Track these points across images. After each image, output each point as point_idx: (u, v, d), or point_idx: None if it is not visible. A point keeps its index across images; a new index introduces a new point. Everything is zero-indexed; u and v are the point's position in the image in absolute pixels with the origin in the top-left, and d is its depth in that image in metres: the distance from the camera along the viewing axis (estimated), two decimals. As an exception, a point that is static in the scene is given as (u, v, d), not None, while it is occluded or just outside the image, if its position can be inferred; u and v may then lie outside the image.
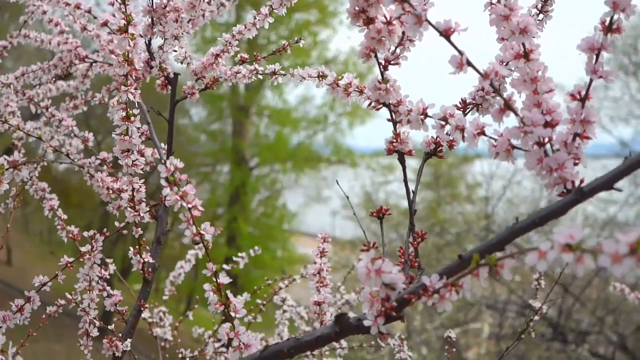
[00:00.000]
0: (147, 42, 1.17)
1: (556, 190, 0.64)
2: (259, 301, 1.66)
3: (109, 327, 1.12)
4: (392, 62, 0.78)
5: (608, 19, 0.65)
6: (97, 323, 1.10)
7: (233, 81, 1.22)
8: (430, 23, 0.64)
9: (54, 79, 1.49)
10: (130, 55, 0.96)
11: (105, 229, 1.11)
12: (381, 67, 0.78)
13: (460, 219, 8.68)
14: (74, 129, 1.33)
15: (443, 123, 0.75)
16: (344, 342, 1.51)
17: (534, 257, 0.52)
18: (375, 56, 0.77)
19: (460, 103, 0.86)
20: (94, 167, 1.22)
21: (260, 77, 1.20)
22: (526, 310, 6.22)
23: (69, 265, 1.08)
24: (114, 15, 1.06)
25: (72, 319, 1.17)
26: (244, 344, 0.78)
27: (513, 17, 0.68)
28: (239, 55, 1.22)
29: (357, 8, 0.72)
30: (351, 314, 0.73)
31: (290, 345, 0.72)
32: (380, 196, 9.45)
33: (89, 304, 1.09)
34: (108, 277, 1.16)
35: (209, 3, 1.16)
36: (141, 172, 1.03)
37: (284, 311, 1.69)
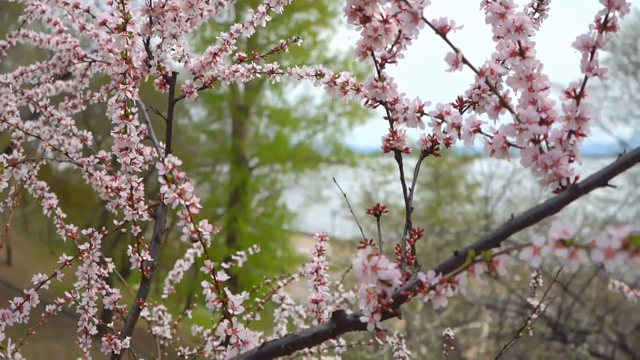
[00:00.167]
0: (145, 41, 1.17)
1: (551, 187, 0.65)
2: (257, 300, 1.66)
3: (108, 325, 1.12)
4: (388, 60, 0.78)
5: (603, 17, 0.65)
6: (96, 321, 1.10)
7: (231, 80, 1.22)
8: (426, 21, 0.65)
9: (52, 79, 1.49)
10: (128, 53, 0.96)
11: (104, 227, 1.11)
12: (378, 65, 0.78)
13: (460, 218, 8.69)
14: (73, 128, 1.33)
15: (439, 121, 0.75)
16: (342, 340, 1.51)
17: (528, 252, 0.52)
18: (372, 54, 0.77)
19: (456, 101, 0.87)
20: (93, 165, 1.22)
21: (259, 75, 1.20)
22: (526, 309, 6.22)
23: (67, 263, 1.09)
24: (112, 15, 1.07)
25: (72, 319, 1.17)
26: (241, 341, 0.79)
27: (509, 15, 0.68)
28: (237, 54, 1.22)
29: (354, 6, 0.73)
30: (349, 312, 0.73)
31: (288, 342, 0.72)
32: (380, 196, 9.46)
33: (87, 302, 1.09)
34: (107, 275, 1.16)
35: (207, 2, 1.16)
36: (139, 170, 1.04)
37: (283, 309, 1.69)
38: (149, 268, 1.15)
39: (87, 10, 1.27)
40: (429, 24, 0.65)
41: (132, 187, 1.04)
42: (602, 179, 0.60)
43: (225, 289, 0.80)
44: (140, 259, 1.12)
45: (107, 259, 1.28)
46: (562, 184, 0.64)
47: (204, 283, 0.79)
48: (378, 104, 0.81)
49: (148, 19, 1.14)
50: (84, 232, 1.08)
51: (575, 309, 6.55)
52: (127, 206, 1.05)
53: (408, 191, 0.82)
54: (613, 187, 0.60)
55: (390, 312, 0.67)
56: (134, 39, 0.97)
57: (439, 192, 9.54)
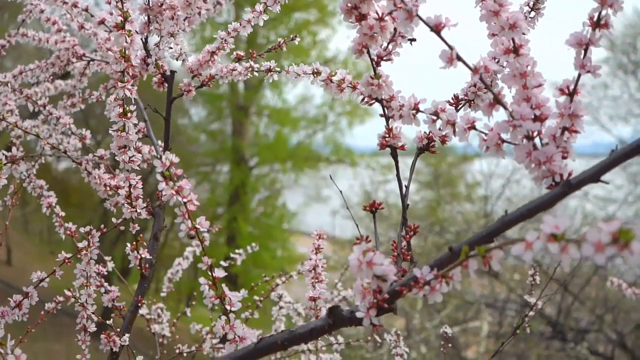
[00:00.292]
0: (143, 39, 1.18)
1: (545, 183, 0.65)
2: (256, 298, 1.67)
3: (107, 321, 1.13)
4: (384, 58, 0.79)
5: (596, 15, 0.66)
6: (95, 318, 1.11)
7: (229, 79, 1.23)
8: (420, 18, 0.65)
9: (51, 78, 1.50)
10: (126, 51, 0.97)
11: (102, 225, 1.12)
12: (374, 63, 0.79)
13: (459, 218, 8.69)
14: (72, 127, 1.34)
15: (434, 118, 0.76)
16: (340, 338, 1.52)
17: (520, 247, 0.53)
18: (368, 52, 0.78)
19: (452, 99, 0.87)
20: (92, 162, 1.23)
21: (256, 74, 1.21)
22: (525, 309, 6.22)
23: (66, 261, 1.09)
24: (110, 14, 1.07)
25: (72, 319, 1.18)
26: (239, 337, 0.79)
27: (503, 12, 0.69)
28: (234, 53, 1.23)
29: (349, 4, 0.73)
30: (345, 308, 0.73)
31: (284, 337, 0.72)
32: (379, 195, 9.46)
33: (86, 299, 1.10)
34: (105, 273, 1.17)
35: (204, 1, 1.17)
36: (138, 168, 1.04)
37: (281, 307, 1.70)
38: (147, 266, 1.15)
39: (86, 10, 1.28)
40: (423, 21, 0.65)
41: (130, 185, 1.05)
42: (594, 175, 0.61)
43: (223, 285, 0.80)
44: (139, 257, 1.12)
45: (106, 258, 1.29)
46: (556, 180, 0.65)
47: (202, 279, 0.80)
48: (374, 101, 0.82)
49: (146, 17, 1.15)
50: (82, 230, 1.09)
51: (574, 308, 6.55)
52: (125, 204, 1.06)
53: (404, 188, 0.83)
54: (606, 182, 0.61)
55: (385, 307, 0.67)
56: (133, 37, 0.98)
57: (438, 191, 9.54)
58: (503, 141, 0.69)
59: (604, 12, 0.66)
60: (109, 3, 1.05)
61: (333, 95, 0.96)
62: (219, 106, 10.81)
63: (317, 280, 1.11)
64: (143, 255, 1.13)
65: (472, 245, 0.62)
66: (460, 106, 0.87)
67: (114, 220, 1.13)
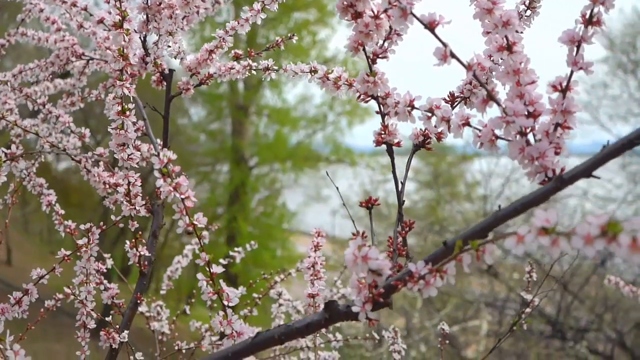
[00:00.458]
0: (142, 38, 1.19)
1: (537, 178, 0.66)
2: (255, 295, 1.68)
3: (107, 318, 1.14)
4: (380, 56, 0.80)
5: (588, 12, 0.67)
6: (94, 315, 1.12)
7: (228, 77, 1.23)
8: (415, 16, 0.66)
9: (51, 77, 1.51)
10: (125, 50, 0.98)
11: (102, 223, 1.13)
12: (369, 60, 0.79)
13: (459, 217, 8.70)
14: (71, 125, 1.35)
15: (429, 115, 0.77)
16: (339, 335, 1.53)
17: (512, 241, 0.54)
18: (364, 50, 0.78)
19: (448, 96, 0.88)
20: (91, 160, 1.24)
21: (254, 73, 1.22)
22: (525, 307, 6.23)
23: (66, 258, 1.10)
24: (109, 13, 1.08)
25: (72, 319, 1.19)
26: (236, 332, 0.80)
27: (496, 10, 0.70)
28: (233, 51, 1.23)
29: (345, 2, 0.74)
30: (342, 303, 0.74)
31: (281, 332, 0.73)
32: (379, 194, 9.47)
33: (86, 296, 1.11)
34: (105, 270, 1.18)
35: (203, 0, 1.18)
36: (137, 166, 1.05)
37: (280, 305, 1.71)
38: (146, 263, 1.16)
39: (85, 9, 1.29)
40: (417, 19, 0.66)
41: (129, 183, 1.05)
42: (586, 170, 0.61)
43: (221, 280, 0.81)
44: (138, 254, 1.13)
45: (105, 255, 1.30)
46: (548, 176, 0.66)
47: (200, 275, 0.81)
48: (370, 98, 0.82)
49: (145, 16, 1.15)
50: (82, 227, 1.09)
51: (574, 307, 6.56)
52: (124, 201, 1.06)
53: (400, 184, 0.84)
54: (597, 177, 0.62)
55: (381, 302, 0.68)
56: (131, 36, 0.98)
57: (438, 190, 9.56)
58: (497, 137, 0.70)
59: (596, 10, 0.67)
60: (108, 2, 1.06)
61: (330, 93, 0.97)
62: (219, 106, 10.82)
63: (316, 277, 1.12)
64: (142, 253, 1.14)
65: (466, 239, 0.62)
66: (456, 104, 0.88)
67: (113, 218, 1.14)
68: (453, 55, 0.66)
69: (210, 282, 0.81)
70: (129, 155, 1.03)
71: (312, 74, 1.03)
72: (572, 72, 0.67)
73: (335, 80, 0.95)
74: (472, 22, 0.74)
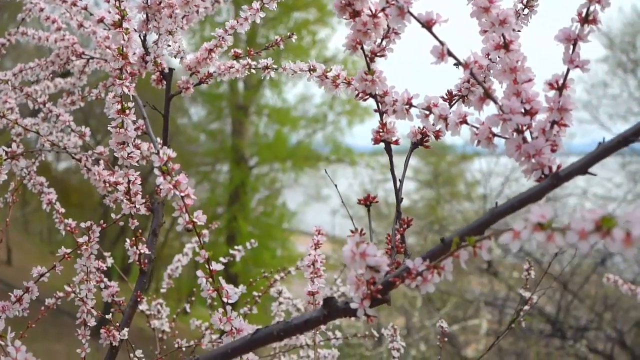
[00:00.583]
0: (142, 38, 1.19)
1: (534, 175, 0.67)
2: (255, 293, 1.68)
3: (107, 316, 1.14)
4: (378, 54, 0.80)
5: (584, 11, 0.67)
6: (95, 312, 1.12)
7: (227, 76, 1.24)
8: (412, 15, 0.67)
9: (51, 76, 1.52)
10: (124, 49, 0.98)
11: (102, 220, 1.13)
12: (367, 59, 0.80)
13: (459, 216, 8.71)
14: (71, 124, 1.35)
15: (427, 113, 0.77)
16: (338, 333, 1.53)
17: (508, 236, 0.54)
18: (362, 48, 0.79)
19: (446, 94, 0.89)
20: (91, 159, 1.24)
21: (254, 71, 1.22)
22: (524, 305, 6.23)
23: (66, 256, 1.10)
24: (109, 12, 1.09)
25: (72, 319, 1.19)
26: (235, 328, 0.81)
27: (493, 9, 0.70)
28: (232, 51, 1.24)
29: (343, 1, 0.75)
30: (341, 300, 0.75)
31: (280, 328, 0.74)
32: (379, 194, 9.48)
33: (86, 294, 1.11)
34: (105, 269, 1.19)
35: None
36: (137, 164, 1.06)
37: (280, 303, 1.71)
38: (146, 261, 1.17)
39: (85, 8, 1.29)
40: (415, 17, 0.67)
41: (129, 181, 1.06)
42: (582, 167, 0.62)
43: (220, 277, 0.82)
44: (138, 252, 1.14)
45: (105, 254, 1.31)
46: (545, 173, 0.66)
47: (199, 272, 0.81)
48: (368, 96, 0.83)
49: (144, 15, 1.16)
50: (82, 225, 1.10)
51: (574, 306, 6.57)
52: (124, 200, 1.07)
53: (398, 182, 0.84)
54: (593, 174, 0.62)
55: (379, 298, 0.69)
56: (130, 34, 0.99)
57: (438, 190, 9.57)
58: (494, 135, 0.71)
59: (592, 8, 0.67)
60: (108, 1, 1.07)
61: (328, 91, 0.98)
62: (219, 106, 10.83)
63: (316, 275, 1.13)
64: (142, 251, 1.14)
65: (463, 236, 0.63)
66: (453, 102, 0.89)
67: (113, 216, 1.15)
68: (450, 54, 0.66)
69: (210, 279, 0.82)
70: (129, 153, 1.03)
71: (311, 72, 1.03)
72: (568, 70, 0.68)
73: (334, 78, 0.96)
74: (469, 21, 0.75)
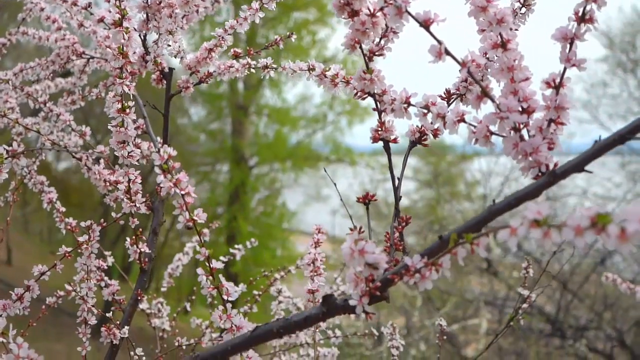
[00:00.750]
0: (142, 37, 1.20)
1: (531, 173, 0.67)
2: (255, 292, 1.69)
3: (107, 314, 1.15)
4: (376, 53, 0.81)
5: (581, 10, 0.68)
6: (95, 311, 1.13)
7: (227, 76, 1.24)
8: (410, 14, 0.67)
9: (52, 76, 1.52)
10: (124, 48, 0.99)
11: (102, 220, 1.14)
12: (366, 58, 0.81)
13: (459, 216, 8.72)
14: (72, 123, 1.36)
15: (425, 111, 0.78)
16: (338, 332, 1.54)
17: (506, 233, 0.55)
18: (361, 47, 0.79)
19: (444, 93, 0.89)
20: (92, 158, 1.25)
21: (253, 71, 1.23)
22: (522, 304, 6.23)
23: (67, 255, 1.11)
24: (109, 12, 1.09)
25: (72, 318, 1.20)
26: (236, 326, 0.81)
27: (490, 8, 0.71)
28: (232, 50, 1.24)
29: (342, 0, 0.75)
30: (340, 297, 0.75)
31: (280, 325, 0.74)
32: (379, 194, 9.48)
33: (87, 292, 1.12)
34: (106, 267, 1.19)
35: (202, -1, 1.19)
36: (137, 163, 1.06)
37: (280, 302, 1.72)
38: (146, 260, 1.17)
39: (85, 8, 1.30)
40: (413, 17, 0.67)
41: (129, 180, 1.06)
42: (578, 165, 0.63)
43: (220, 275, 0.82)
44: (138, 251, 1.14)
45: (106, 253, 1.31)
46: (542, 171, 0.67)
47: (199, 270, 0.82)
48: (367, 95, 0.83)
49: (145, 15, 1.16)
50: (82, 224, 1.10)
51: (573, 305, 6.58)
52: (125, 199, 1.07)
53: (396, 180, 0.85)
54: (589, 172, 0.63)
55: (378, 295, 0.69)
56: (130, 34, 1.00)
57: (438, 190, 9.58)
58: (491, 133, 0.71)
59: (588, 8, 0.68)
60: (108, 1, 1.07)
61: (327, 90, 0.98)
62: (219, 106, 10.84)
63: (316, 274, 1.13)
64: (142, 250, 1.15)
65: (461, 233, 0.64)
66: (451, 100, 0.89)
67: (113, 215, 1.15)
68: (448, 53, 0.67)
69: (210, 277, 0.82)
70: (129, 152, 1.04)
71: (310, 71, 1.04)
72: (565, 69, 0.69)
73: (333, 77, 0.96)
74: (467, 20, 0.75)
